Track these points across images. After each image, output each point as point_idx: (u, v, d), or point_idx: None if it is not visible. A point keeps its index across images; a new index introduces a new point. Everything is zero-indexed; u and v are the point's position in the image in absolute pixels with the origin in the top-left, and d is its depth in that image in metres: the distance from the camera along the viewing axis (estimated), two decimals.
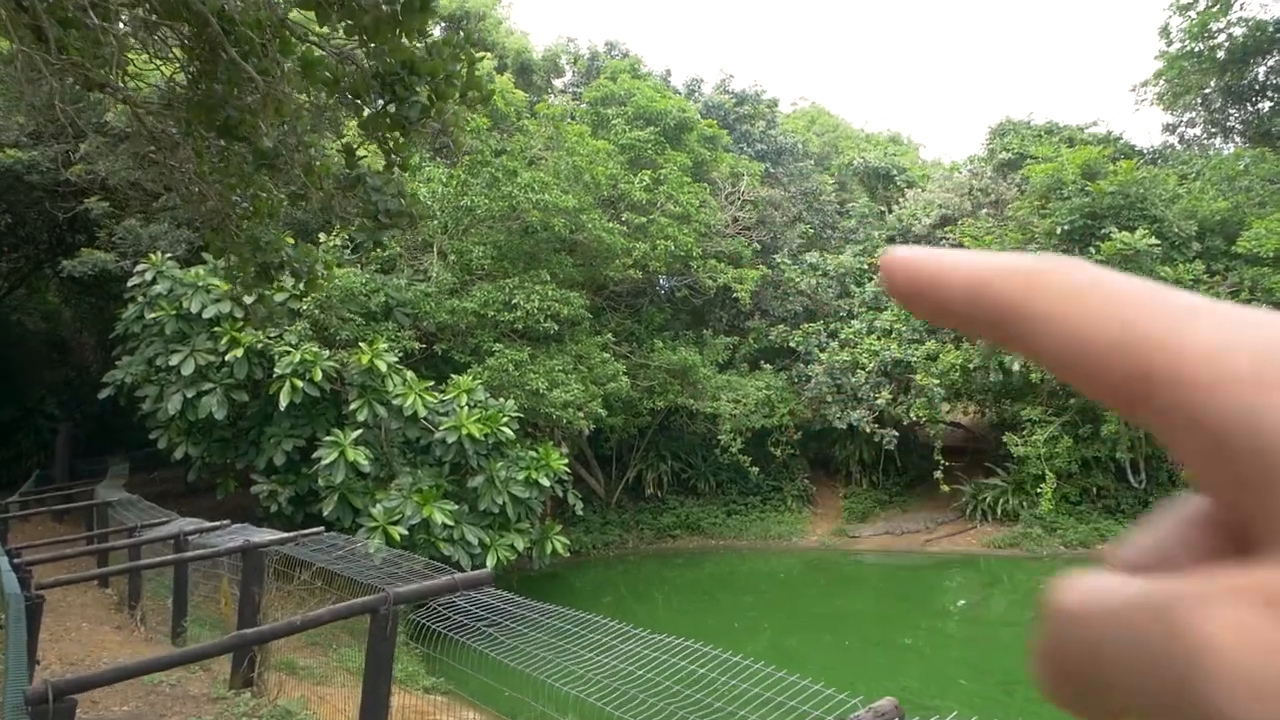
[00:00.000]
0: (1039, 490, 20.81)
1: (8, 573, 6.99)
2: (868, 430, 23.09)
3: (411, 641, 7.56)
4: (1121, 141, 26.36)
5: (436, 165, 21.67)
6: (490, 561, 16.15)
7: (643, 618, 17.18)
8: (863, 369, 23.20)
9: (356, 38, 4.97)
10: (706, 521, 25.09)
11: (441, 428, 17.07)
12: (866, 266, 26.57)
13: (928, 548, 22.71)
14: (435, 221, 20.71)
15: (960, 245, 23.42)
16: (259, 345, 17.71)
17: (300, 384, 16.86)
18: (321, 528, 10.27)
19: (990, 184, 25.56)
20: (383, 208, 5.53)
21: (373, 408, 16.99)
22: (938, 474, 22.37)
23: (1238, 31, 26.06)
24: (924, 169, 33.15)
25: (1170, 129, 30.34)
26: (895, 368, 23.13)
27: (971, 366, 21.56)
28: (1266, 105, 27.35)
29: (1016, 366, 19.96)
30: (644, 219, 22.29)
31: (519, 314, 19.79)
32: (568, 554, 19.57)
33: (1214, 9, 25.88)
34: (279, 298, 14.79)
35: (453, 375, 18.63)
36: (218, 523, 11.04)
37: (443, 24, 27.12)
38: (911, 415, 22.46)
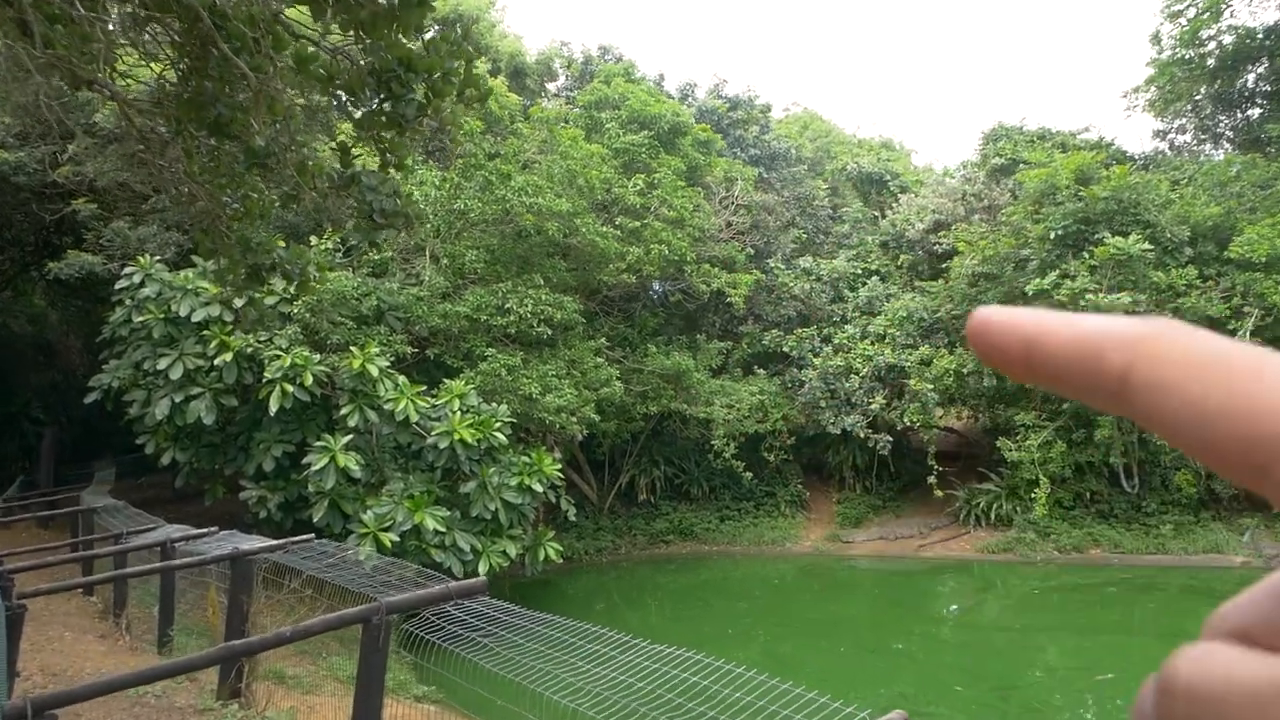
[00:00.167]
0: (1033, 495, 20.79)
1: None
2: (861, 435, 23.04)
3: (402, 649, 7.42)
4: (1113, 147, 26.46)
5: (430, 168, 21.54)
6: (482, 568, 16.00)
7: (636, 624, 17.10)
8: (856, 374, 23.19)
9: (352, 33, 4.86)
10: (700, 527, 24.97)
11: (433, 433, 16.92)
12: (860, 271, 26.62)
13: (921, 553, 22.66)
14: (428, 225, 20.56)
15: (954, 249, 23.53)
16: (249, 349, 17.52)
17: (290, 389, 16.67)
18: (311, 534, 10.12)
19: (983, 189, 25.62)
20: (378, 207, 5.41)
21: (364, 413, 16.83)
22: (931, 479, 22.34)
23: (1228, 39, 26.25)
24: (916, 175, 33.26)
25: (1161, 135, 30.54)
26: (889, 373, 23.12)
27: (965, 371, 21.57)
28: (1256, 112, 27.53)
29: None
30: (638, 223, 22.21)
31: (512, 318, 19.65)
32: (560, 560, 19.42)
33: (1205, 16, 26.05)
34: (269, 301, 14.66)
35: (445, 380, 18.47)
36: (205, 529, 10.88)
37: (437, 26, 27.00)
38: (905, 420, 22.44)
